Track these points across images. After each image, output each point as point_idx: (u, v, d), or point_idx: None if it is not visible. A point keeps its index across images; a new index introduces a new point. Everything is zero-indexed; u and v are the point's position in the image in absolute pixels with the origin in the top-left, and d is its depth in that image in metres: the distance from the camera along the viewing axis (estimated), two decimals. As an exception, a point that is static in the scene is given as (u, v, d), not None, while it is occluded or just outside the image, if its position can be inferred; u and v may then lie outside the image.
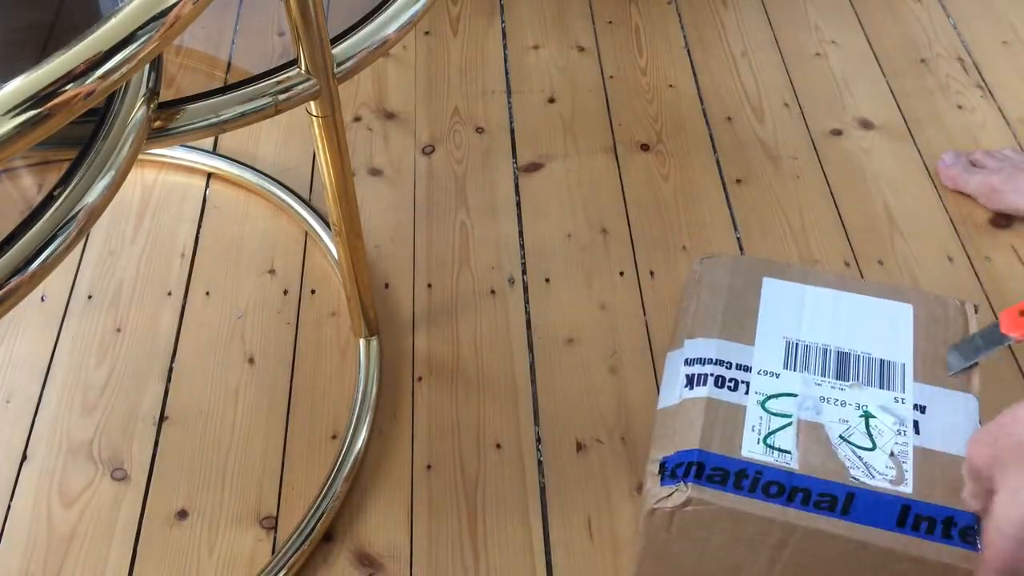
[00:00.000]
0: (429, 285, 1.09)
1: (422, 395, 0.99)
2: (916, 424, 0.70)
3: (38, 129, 0.49)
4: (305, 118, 0.83)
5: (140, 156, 0.69)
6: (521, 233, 1.14)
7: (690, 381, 0.73)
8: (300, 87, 0.77)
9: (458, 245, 1.12)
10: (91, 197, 0.63)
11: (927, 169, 1.19)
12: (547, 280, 1.09)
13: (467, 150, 1.23)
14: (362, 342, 1.01)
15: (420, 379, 1.01)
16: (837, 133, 1.24)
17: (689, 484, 0.68)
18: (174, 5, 0.54)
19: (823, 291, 0.78)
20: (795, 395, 0.72)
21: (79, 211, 0.62)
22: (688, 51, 1.35)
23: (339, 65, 0.79)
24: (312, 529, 0.88)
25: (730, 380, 0.73)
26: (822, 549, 0.67)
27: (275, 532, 0.90)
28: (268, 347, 1.04)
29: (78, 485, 0.93)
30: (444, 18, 1.41)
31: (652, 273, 1.09)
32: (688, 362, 0.75)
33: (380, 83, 1.32)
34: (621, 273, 1.09)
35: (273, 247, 1.13)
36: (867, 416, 0.70)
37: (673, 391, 0.74)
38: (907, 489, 0.67)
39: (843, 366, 0.73)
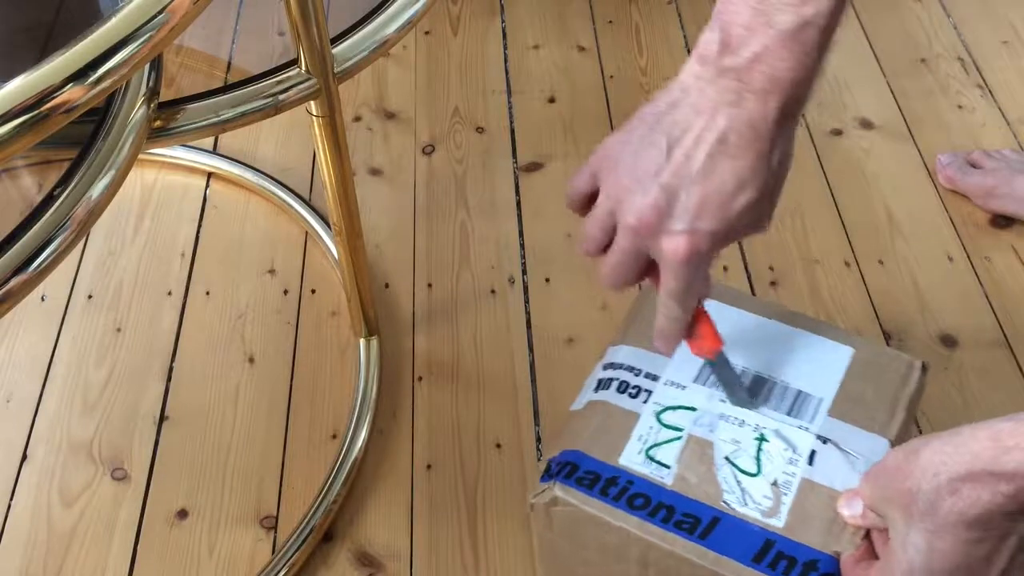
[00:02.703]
0: (429, 285, 1.09)
1: (422, 395, 0.99)
2: (813, 455, 0.66)
3: (37, 130, 0.49)
4: (305, 118, 0.83)
5: (140, 156, 0.69)
6: (521, 233, 1.14)
7: (599, 385, 0.72)
8: (300, 87, 0.77)
9: (458, 245, 1.12)
10: (91, 197, 0.63)
11: (927, 169, 1.19)
12: (547, 280, 1.09)
13: (467, 150, 1.23)
14: (362, 342, 1.01)
15: (420, 379, 1.01)
16: (837, 133, 1.24)
17: (558, 483, 0.67)
18: (174, 5, 0.54)
19: (767, 322, 0.74)
20: (694, 409, 0.69)
21: (79, 211, 0.62)
22: (688, 51, 1.35)
23: (339, 65, 0.79)
24: (312, 529, 0.88)
25: (633, 387, 0.71)
26: (680, 572, 0.64)
27: (275, 532, 0.90)
28: (268, 347, 1.04)
29: (78, 485, 0.93)
30: (444, 18, 1.41)
31: (652, 273, 1.09)
32: (604, 367, 0.73)
33: (380, 83, 1.31)
34: (621, 273, 1.09)
35: (273, 247, 1.13)
36: (761, 440, 0.67)
37: (585, 394, 0.73)
38: (778, 523, 0.63)
39: (755, 389, 0.70)
